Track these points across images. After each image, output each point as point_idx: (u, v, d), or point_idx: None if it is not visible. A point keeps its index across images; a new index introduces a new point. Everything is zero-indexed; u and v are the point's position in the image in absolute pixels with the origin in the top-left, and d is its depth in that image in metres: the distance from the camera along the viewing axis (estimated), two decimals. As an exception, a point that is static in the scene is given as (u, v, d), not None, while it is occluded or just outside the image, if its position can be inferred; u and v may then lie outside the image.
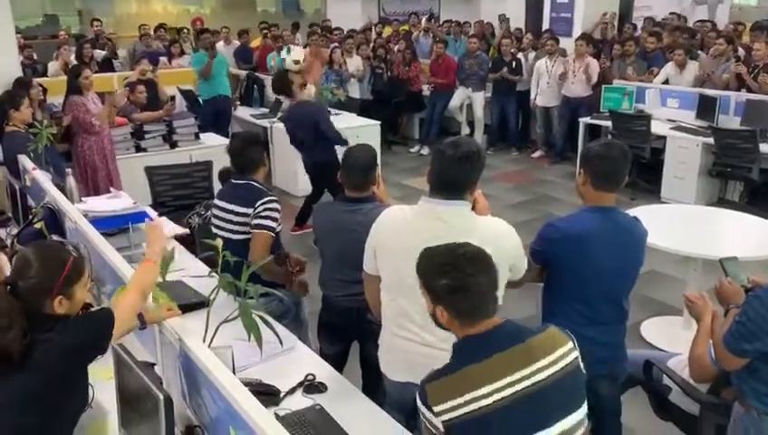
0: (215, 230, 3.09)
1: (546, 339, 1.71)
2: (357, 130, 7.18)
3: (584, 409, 1.71)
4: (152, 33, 10.34)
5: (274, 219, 3.02)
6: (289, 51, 6.26)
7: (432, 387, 1.64)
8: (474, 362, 1.63)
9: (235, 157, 3.16)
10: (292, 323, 3.09)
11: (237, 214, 3.05)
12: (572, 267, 2.48)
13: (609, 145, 2.57)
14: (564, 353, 1.70)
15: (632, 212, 2.79)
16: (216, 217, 3.15)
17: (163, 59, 9.26)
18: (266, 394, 2.23)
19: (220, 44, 10.08)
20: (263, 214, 3.00)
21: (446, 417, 1.59)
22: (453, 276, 1.67)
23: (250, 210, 3.00)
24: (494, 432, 1.61)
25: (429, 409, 1.62)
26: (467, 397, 1.59)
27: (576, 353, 1.73)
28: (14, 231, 3.57)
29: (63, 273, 1.85)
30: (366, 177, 2.88)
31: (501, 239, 2.21)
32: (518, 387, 1.61)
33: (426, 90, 9.10)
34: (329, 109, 7.45)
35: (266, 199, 3.02)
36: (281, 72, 5.96)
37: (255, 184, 3.11)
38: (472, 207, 2.25)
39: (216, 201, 3.20)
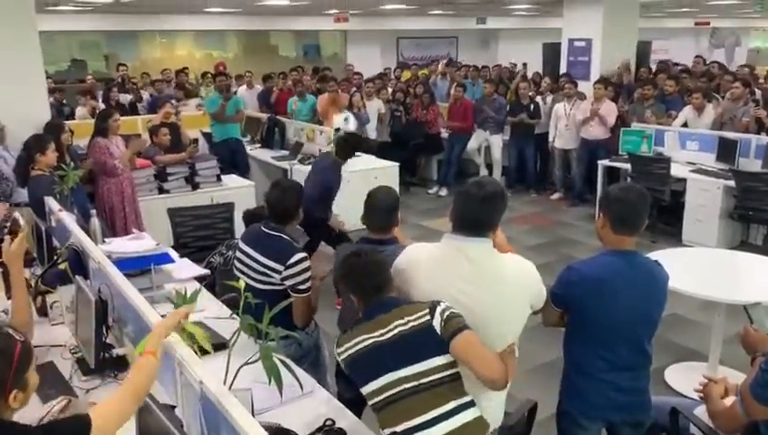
0: (237, 273, 3.09)
1: (407, 309, 2.16)
2: (375, 171, 7.26)
3: (427, 363, 2.09)
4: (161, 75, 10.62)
5: (309, 277, 3.01)
6: (347, 120, 6.12)
7: (341, 337, 2.27)
8: (362, 324, 2.22)
9: (273, 205, 3.12)
10: (311, 366, 3.07)
11: (263, 265, 3.00)
12: (593, 311, 2.46)
13: (629, 189, 2.57)
14: (414, 318, 2.13)
15: (653, 255, 2.76)
16: (240, 260, 3.13)
17: (174, 102, 9.43)
18: (285, 439, 2.22)
19: (242, 88, 10.31)
20: (300, 277, 2.97)
21: (342, 356, 2.23)
22: (349, 277, 2.31)
23: (280, 267, 2.95)
24: (362, 368, 2.19)
25: (337, 351, 2.25)
26: (352, 343, 2.20)
27: (426, 318, 2.11)
28: (39, 271, 3.62)
29: (13, 365, 1.69)
30: (389, 218, 2.90)
31: (524, 277, 2.30)
32: (378, 339, 2.15)
33: (444, 132, 9.18)
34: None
35: (299, 258, 2.96)
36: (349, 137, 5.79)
37: (285, 237, 3.06)
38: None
39: (241, 245, 3.17)
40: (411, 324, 2.11)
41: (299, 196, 3.18)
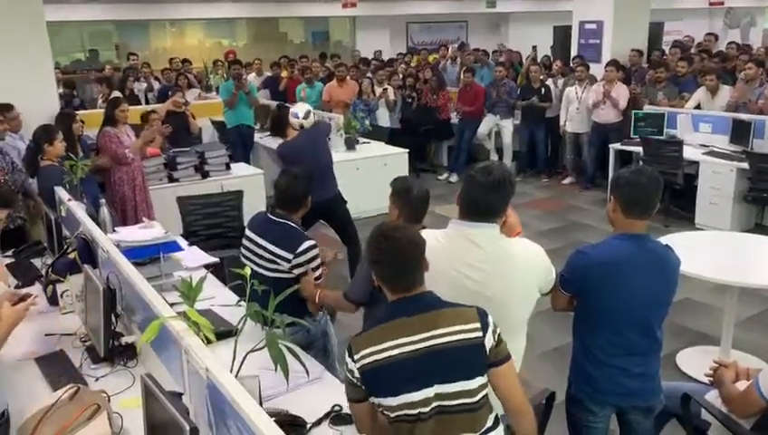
0: (243, 260, 3.09)
1: (452, 313, 1.94)
2: (385, 158, 7.23)
3: (472, 383, 1.90)
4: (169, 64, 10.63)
5: (319, 265, 3.00)
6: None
7: (356, 340, 1.95)
8: (391, 320, 1.93)
9: (282, 192, 3.11)
10: (320, 352, 3.07)
11: (270, 253, 2.99)
12: (602, 296, 2.43)
13: (639, 171, 2.53)
14: (464, 329, 1.91)
15: (666, 239, 2.73)
16: (246, 248, 3.13)
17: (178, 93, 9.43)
18: (293, 425, 2.22)
19: (252, 75, 10.30)
20: (310, 265, 2.96)
21: (361, 363, 1.90)
22: (381, 245, 1.97)
23: (289, 255, 2.94)
24: (391, 378, 1.89)
25: (352, 357, 1.92)
26: (379, 347, 1.89)
27: (478, 334, 1.91)
28: (50, 261, 3.64)
29: None
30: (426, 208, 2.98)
31: (532, 261, 2.28)
32: (416, 346, 1.88)
33: (454, 117, 9.12)
34: (357, 138, 7.52)
35: (308, 246, 2.96)
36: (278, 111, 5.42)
37: (293, 225, 3.06)
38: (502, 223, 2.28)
39: (248, 232, 3.17)
40: (458, 337, 1.90)
41: (309, 184, 3.17)
